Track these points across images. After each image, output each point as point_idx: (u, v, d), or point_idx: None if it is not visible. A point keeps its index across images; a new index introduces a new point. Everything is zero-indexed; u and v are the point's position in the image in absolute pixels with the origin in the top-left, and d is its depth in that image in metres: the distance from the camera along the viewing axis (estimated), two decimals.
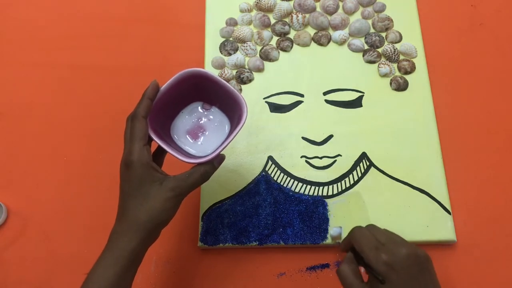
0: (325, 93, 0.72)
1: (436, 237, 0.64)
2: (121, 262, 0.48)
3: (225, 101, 0.57)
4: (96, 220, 0.67)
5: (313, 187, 0.67)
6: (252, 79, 0.74)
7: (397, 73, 0.74)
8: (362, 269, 0.52)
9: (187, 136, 0.58)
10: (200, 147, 0.57)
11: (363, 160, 0.68)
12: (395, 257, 0.48)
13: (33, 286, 0.65)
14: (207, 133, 0.58)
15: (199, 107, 0.60)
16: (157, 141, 0.52)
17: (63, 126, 0.74)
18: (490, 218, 0.66)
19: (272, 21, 0.78)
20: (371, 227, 0.54)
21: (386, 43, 0.76)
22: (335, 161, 0.68)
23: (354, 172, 0.68)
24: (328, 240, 0.64)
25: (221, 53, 0.76)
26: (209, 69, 0.75)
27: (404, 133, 0.70)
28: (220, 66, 0.75)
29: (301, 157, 0.69)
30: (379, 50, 0.75)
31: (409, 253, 0.49)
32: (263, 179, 0.68)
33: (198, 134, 0.59)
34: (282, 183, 0.67)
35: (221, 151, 0.54)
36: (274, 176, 0.68)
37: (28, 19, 0.82)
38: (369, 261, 0.49)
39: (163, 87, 0.55)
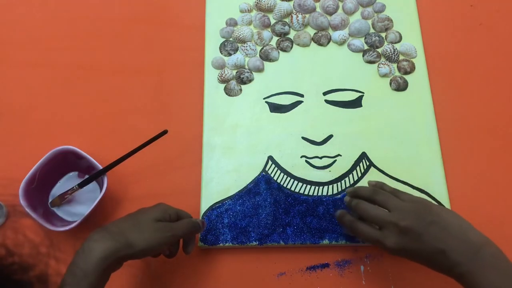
0: (325, 93, 0.72)
1: None
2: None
3: (91, 170, 0.66)
4: (97, 220, 0.67)
5: (313, 187, 0.67)
6: (252, 79, 0.74)
7: (397, 73, 0.74)
8: None
9: (62, 203, 0.67)
10: (74, 213, 0.67)
11: (363, 160, 0.68)
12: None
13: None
14: (81, 199, 0.67)
15: (76, 176, 0.69)
16: (30, 213, 0.61)
17: (63, 126, 0.74)
18: (490, 218, 0.66)
19: (272, 21, 0.78)
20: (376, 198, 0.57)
21: (386, 43, 0.76)
22: (335, 161, 0.68)
23: (354, 172, 0.68)
24: (327, 241, 0.64)
25: (221, 53, 0.76)
26: (209, 69, 0.75)
27: (404, 133, 0.70)
28: (220, 66, 0.75)
29: (301, 157, 0.69)
30: (379, 50, 0.75)
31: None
32: (263, 179, 0.68)
33: (72, 201, 0.67)
34: (282, 183, 0.67)
35: (86, 217, 0.62)
36: (274, 176, 0.68)
37: (28, 19, 0.82)
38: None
39: (34, 168, 0.64)
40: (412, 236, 0.52)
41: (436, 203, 0.55)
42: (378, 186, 0.60)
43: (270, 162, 0.69)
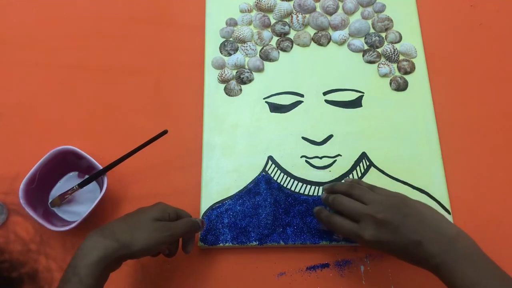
0: (325, 93, 0.72)
1: None
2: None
3: (91, 170, 0.66)
4: (97, 220, 0.67)
5: (313, 187, 0.67)
6: (252, 79, 0.74)
7: (397, 73, 0.74)
8: None
9: (62, 203, 0.66)
10: (74, 213, 0.66)
11: (363, 160, 0.68)
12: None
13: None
14: (81, 199, 0.67)
15: (76, 176, 0.69)
16: (30, 213, 0.61)
17: (63, 126, 0.74)
18: (490, 218, 0.66)
19: (272, 21, 0.78)
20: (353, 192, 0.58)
21: (386, 43, 0.76)
22: (335, 161, 0.68)
23: (354, 172, 0.68)
24: (327, 241, 0.64)
25: (221, 53, 0.76)
26: (209, 69, 0.75)
27: (404, 133, 0.70)
28: (220, 66, 0.75)
29: (301, 157, 0.69)
30: (379, 50, 0.75)
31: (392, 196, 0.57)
32: (263, 179, 0.68)
33: (72, 201, 0.67)
34: (282, 183, 0.67)
35: (86, 217, 0.62)
36: (274, 176, 0.68)
37: (28, 19, 0.82)
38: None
39: (34, 167, 0.64)
40: (389, 228, 0.52)
41: (411, 197, 0.56)
42: (354, 182, 0.60)
43: (270, 162, 0.69)
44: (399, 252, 0.53)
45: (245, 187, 0.67)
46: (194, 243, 0.62)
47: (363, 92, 0.72)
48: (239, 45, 0.77)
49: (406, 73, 0.74)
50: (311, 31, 0.77)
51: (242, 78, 0.74)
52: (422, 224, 0.52)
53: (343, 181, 0.65)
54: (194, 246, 0.61)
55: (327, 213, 0.59)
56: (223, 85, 0.74)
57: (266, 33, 0.77)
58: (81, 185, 0.63)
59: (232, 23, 0.78)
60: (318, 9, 0.79)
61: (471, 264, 0.49)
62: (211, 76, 0.75)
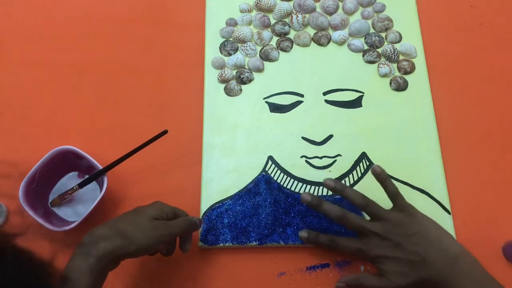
0: (325, 93, 0.72)
1: None
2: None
3: (91, 170, 0.66)
4: (97, 220, 0.67)
5: (313, 187, 0.67)
6: (252, 79, 0.74)
7: (397, 73, 0.74)
8: None
9: (62, 203, 0.66)
10: (74, 213, 0.67)
11: (363, 160, 0.68)
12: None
13: None
14: (81, 199, 0.67)
15: (76, 176, 0.69)
16: (30, 213, 0.61)
17: (63, 126, 0.74)
18: (490, 218, 0.66)
19: (272, 21, 0.78)
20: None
21: (385, 43, 0.76)
22: (335, 161, 0.68)
23: (354, 172, 0.68)
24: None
25: (221, 53, 0.76)
26: (209, 69, 0.75)
27: (404, 133, 0.70)
28: (220, 66, 0.75)
29: (301, 157, 0.69)
30: (379, 50, 0.75)
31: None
32: (263, 179, 0.68)
33: (72, 201, 0.67)
34: (282, 183, 0.67)
35: (86, 217, 0.62)
36: (274, 176, 0.68)
37: (28, 19, 0.82)
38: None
39: (35, 167, 0.64)
40: (394, 244, 0.54)
41: (418, 211, 0.58)
42: (366, 198, 0.60)
43: (270, 162, 0.69)
44: (401, 268, 0.54)
45: (245, 187, 0.67)
46: (192, 242, 0.62)
47: (363, 92, 0.72)
48: (239, 45, 0.77)
49: (406, 73, 0.74)
50: (311, 31, 0.77)
51: (242, 78, 0.74)
52: (426, 241, 0.54)
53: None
54: (191, 245, 0.61)
55: (330, 237, 0.60)
56: (223, 85, 0.74)
57: (266, 33, 0.77)
58: (81, 185, 0.63)
59: (232, 23, 0.78)
60: (318, 9, 0.79)
61: (473, 282, 0.51)
62: (211, 76, 0.75)
